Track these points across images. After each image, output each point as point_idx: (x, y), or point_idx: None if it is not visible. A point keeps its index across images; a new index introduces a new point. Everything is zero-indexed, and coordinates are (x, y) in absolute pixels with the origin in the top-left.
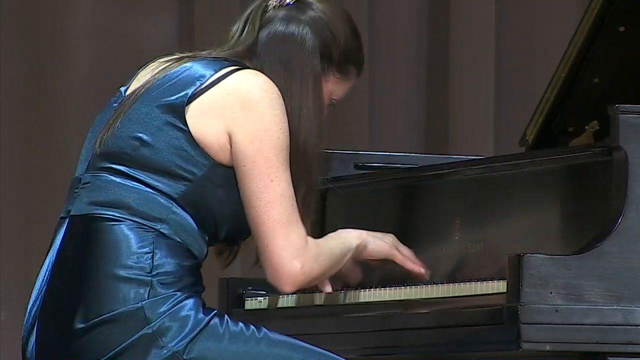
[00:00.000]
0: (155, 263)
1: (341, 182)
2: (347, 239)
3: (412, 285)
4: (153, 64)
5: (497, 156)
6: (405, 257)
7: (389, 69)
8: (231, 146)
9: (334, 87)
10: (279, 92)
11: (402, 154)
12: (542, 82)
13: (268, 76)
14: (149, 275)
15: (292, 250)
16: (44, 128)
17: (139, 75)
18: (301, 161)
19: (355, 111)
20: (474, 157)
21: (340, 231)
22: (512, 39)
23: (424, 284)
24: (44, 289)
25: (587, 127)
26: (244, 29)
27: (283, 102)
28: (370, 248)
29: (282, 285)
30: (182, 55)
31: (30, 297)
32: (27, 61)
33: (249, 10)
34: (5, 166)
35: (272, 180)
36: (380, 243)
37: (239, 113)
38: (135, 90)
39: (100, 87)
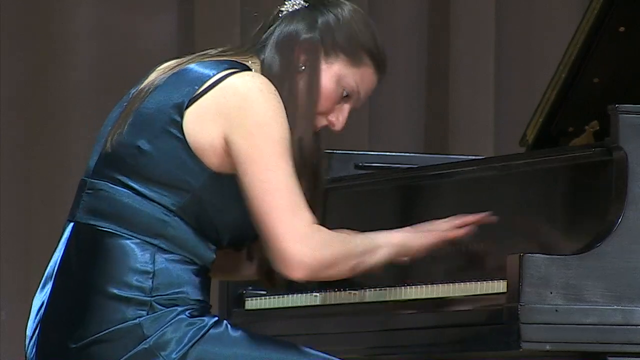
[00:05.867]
0: (155, 285)
1: (341, 182)
2: (377, 236)
3: (413, 285)
4: (162, 65)
5: (497, 156)
6: (454, 229)
7: (389, 69)
8: (227, 151)
9: (343, 71)
10: (276, 91)
11: (402, 154)
12: (542, 82)
13: (264, 65)
14: (148, 296)
15: (296, 235)
16: (44, 128)
17: (148, 78)
18: (299, 157)
19: (355, 111)
20: (474, 157)
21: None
22: (512, 39)
23: (424, 284)
24: (47, 296)
25: (587, 127)
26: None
27: (280, 100)
28: (417, 243)
29: (290, 272)
30: (188, 57)
31: (35, 293)
32: (27, 62)
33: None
34: (5, 166)
35: (269, 170)
36: (423, 235)
37: (234, 115)
38: (142, 89)
39: (100, 88)
